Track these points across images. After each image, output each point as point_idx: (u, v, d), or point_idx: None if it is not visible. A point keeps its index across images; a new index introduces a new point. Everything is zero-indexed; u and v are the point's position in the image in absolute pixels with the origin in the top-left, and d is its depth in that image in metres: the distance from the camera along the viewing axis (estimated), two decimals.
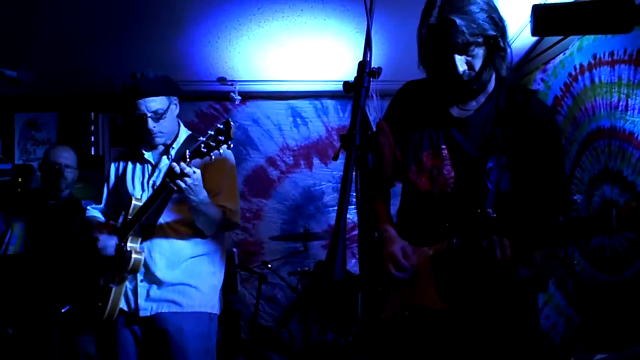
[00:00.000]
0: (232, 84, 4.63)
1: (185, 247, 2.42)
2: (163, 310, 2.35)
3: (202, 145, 2.09)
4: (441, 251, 1.69)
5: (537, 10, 0.87)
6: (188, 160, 2.11)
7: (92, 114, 4.81)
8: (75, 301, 2.75)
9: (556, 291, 3.81)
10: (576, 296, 3.57)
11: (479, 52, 1.64)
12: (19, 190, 4.09)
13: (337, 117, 5.09)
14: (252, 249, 4.86)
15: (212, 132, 2.08)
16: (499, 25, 1.65)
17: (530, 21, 0.89)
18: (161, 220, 2.41)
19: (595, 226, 1.34)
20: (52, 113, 4.88)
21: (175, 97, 2.50)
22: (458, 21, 1.57)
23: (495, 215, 1.58)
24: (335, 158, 1.19)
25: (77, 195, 3.82)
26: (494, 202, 1.65)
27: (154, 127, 2.41)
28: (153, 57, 4.07)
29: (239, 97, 4.69)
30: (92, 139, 4.74)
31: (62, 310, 2.76)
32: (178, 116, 2.60)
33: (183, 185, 2.11)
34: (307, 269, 4.17)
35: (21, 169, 4.28)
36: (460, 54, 1.63)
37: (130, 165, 2.60)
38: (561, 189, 1.77)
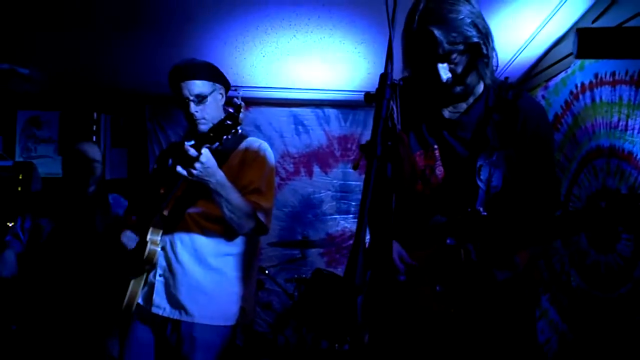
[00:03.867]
0: (236, 90, 4.64)
1: (209, 244, 2.33)
2: (175, 317, 2.27)
3: (210, 131, 2.05)
4: (435, 253, 1.69)
5: (582, 33, 0.90)
6: (197, 146, 2.05)
7: (95, 114, 4.83)
8: (91, 297, 2.70)
9: (551, 307, 3.84)
10: (571, 312, 3.59)
11: (462, 59, 1.64)
12: (20, 188, 4.08)
13: (339, 126, 5.14)
14: None
15: (222, 117, 2.04)
16: (482, 32, 1.64)
17: (574, 44, 0.91)
18: (188, 215, 2.32)
19: (585, 220, 1.31)
20: (54, 112, 4.90)
21: (220, 86, 2.45)
22: (436, 32, 1.57)
23: (486, 213, 1.58)
24: (355, 167, 1.21)
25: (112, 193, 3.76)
26: (484, 201, 1.65)
27: (197, 111, 2.33)
28: (158, 60, 4.09)
29: (242, 103, 4.70)
30: (94, 139, 4.76)
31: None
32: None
33: (193, 171, 2.03)
34: (304, 276, 4.18)
35: (22, 167, 4.26)
36: (443, 62, 1.62)
37: (170, 162, 2.52)
38: (550, 187, 1.76)
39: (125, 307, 2.28)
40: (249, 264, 2.44)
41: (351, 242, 4.94)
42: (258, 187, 2.34)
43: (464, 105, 1.80)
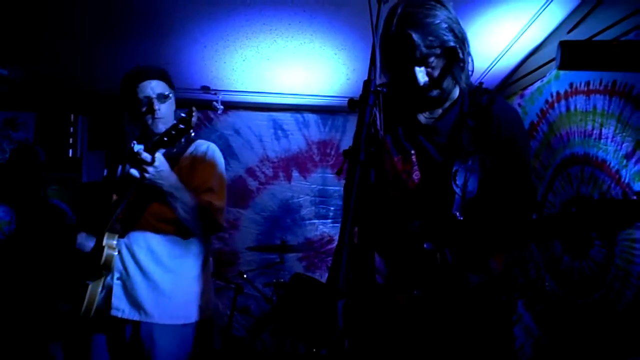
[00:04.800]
0: (215, 93, 4.64)
1: (164, 245, 2.36)
2: (134, 318, 2.28)
3: (164, 135, 2.09)
4: (412, 257, 1.69)
5: (565, 45, 0.93)
6: (150, 150, 2.09)
7: (72, 115, 4.77)
8: (51, 301, 2.69)
9: (525, 312, 3.89)
10: (545, 318, 3.65)
11: (439, 62, 1.66)
12: None
13: (318, 131, 5.16)
14: (228, 258, 4.85)
15: (175, 122, 2.08)
16: (458, 36, 1.66)
17: (557, 56, 0.94)
18: (142, 217, 2.35)
19: (558, 225, 1.35)
20: (31, 113, 4.81)
21: (174, 92, 2.49)
22: (414, 35, 1.59)
23: (462, 218, 1.60)
24: (339, 173, 1.22)
25: (51, 198, 3.74)
26: (460, 205, 1.66)
27: (159, 109, 2.36)
28: (137, 62, 4.05)
29: (222, 107, 4.71)
30: (71, 140, 4.70)
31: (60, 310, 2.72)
32: None
33: (146, 174, 2.07)
34: (282, 280, 4.18)
35: None
36: (420, 66, 1.65)
37: (120, 167, 2.56)
38: (526, 191, 1.78)
39: (84, 312, 2.28)
40: (204, 262, 2.49)
41: (329, 246, 4.98)
42: (211, 186, 2.39)
43: (439, 111, 1.82)
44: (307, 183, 5.09)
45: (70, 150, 4.73)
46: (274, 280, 4.24)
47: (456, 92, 1.81)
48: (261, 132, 5.09)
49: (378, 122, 1.19)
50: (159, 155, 2.09)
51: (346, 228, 1.00)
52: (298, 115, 5.14)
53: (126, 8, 3.46)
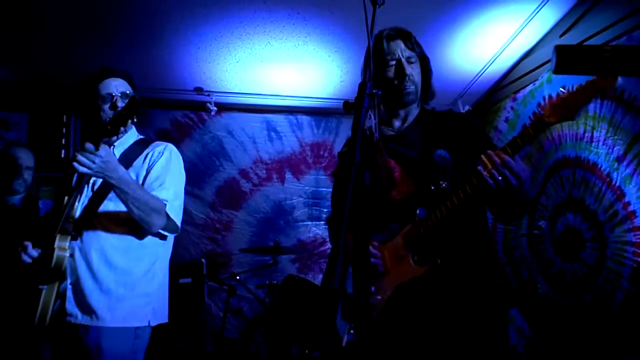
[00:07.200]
0: (208, 95, 4.63)
1: (118, 246, 2.30)
2: (86, 323, 2.20)
3: (107, 125, 2.07)
4: (409, 229, 1.85)
5: (560, 50, 0.94)
6: (94, 140, 2.05)
7: (65, 116, 4.75)
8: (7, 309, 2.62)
9: (517, 313, 3.91)
10: (537, 319, 3.67)
11: (417, 66, 2.01)
12: None
13: (311, 133, 5.16)
14: (221, 260, 4.84)
15: (119, 110, 2.09)
16: (423, 52, 2.06)
17: (553, 60, 0.95)
18: (95, 218, 2.29)
19: (533, 127, 1.62)
20: (24, 113, 4.78)
21: (135, 94, 2.45)
22: (406, 37, 2.00)
23: (446, 184, 1.79)
24: (334, 174, 1.23)
25: (44, 198, 3.70)
26: (441, 177, 1.85)
27: (121, 105, 2.32)
28: (131, 63, 4.03)
29: (215, 108, 4.70)
30: (63, 141, 4.68)
31: None
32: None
33: (93, 165, 2.02)
34: (275, 282, 4.17)
35: None
36: (408, 63, 1.97)
37: (76, 175, 2.47)
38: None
39: (39, 319, 2.21)
40: (160, 263, 2.44)
41: (322, 248, 4.98)
42: (164, 182, 2.35)
43: (404, 125, 2.07)
44: (301, 185, 5.10)
45: (63, 151, 4.71)
46: (267, 282, 4.22)
47: (416, 111, 2.08)
48: (254, 133, 5.08)
49: (373, 125, 1.20)
50: (104, 146, 2.06)
51: (341, 230, 1.01)
52: (291, 117, 5.14)
53: (120, 9, 3.46)
